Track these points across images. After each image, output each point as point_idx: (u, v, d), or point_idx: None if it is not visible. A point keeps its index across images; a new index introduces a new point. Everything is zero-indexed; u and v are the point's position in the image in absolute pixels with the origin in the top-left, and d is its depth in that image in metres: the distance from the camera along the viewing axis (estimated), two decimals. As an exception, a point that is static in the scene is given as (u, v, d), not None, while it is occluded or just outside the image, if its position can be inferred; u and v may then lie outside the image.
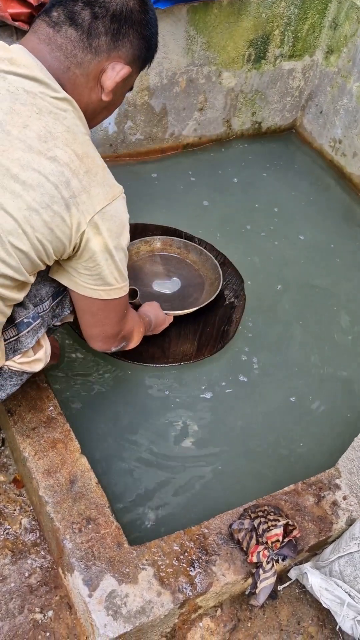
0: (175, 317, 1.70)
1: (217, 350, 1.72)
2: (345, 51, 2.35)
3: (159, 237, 1.95)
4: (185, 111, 2.35)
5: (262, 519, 1.20)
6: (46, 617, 1.28)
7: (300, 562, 1.33)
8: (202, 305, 1.73)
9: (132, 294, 1.63)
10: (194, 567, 1.17)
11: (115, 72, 1.03)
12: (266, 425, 1.63)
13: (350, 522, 1.30)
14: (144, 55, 1.09)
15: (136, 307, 1.63)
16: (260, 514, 1.22)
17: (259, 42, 2.30)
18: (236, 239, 2.14)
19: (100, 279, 1.08)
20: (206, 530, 1.23)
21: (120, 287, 1.12)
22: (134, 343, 1.42)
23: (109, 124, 2.20)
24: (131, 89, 1.16)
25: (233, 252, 2.03)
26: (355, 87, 2.33)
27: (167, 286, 1.87)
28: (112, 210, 1.02)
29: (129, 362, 1.64)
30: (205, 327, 1.78)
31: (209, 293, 1.81)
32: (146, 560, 1.16)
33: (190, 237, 2.04)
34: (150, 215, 2.13)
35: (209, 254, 1.91)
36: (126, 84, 1.10)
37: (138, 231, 1.99)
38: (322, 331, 1.90)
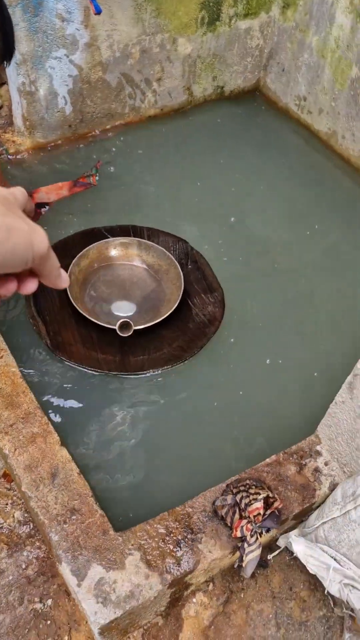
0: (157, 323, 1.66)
1: (222, 317, 1.72)
2: (302, 4, 2.27)
3: (101, 242, 1.81)
4: (142, 83, 2.29)
5: (244, 494, 1.21)
6: (46, 606, 1.30)
7: (288, 530, 1.35)
8: (169, 312, 1.69)
9: (126, 325, 1.60)
10: (180, 547, 1.19)
11: None
12: (245, 398, 1.63)
13: (333, 487, 1.31)
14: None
15: None
16: (242, 488, 1.23)
17: (211, 4, 2.22)
18: (198, 210, 2.12)
19: None
20: (190, 510, 1.25)
21: None
22: None
23: (65, 104, 2.14)
24: None
25: (194, 220, 2.02)
26: (315, 40, 2.26)
27: (125, 308, 1.77)
28: None
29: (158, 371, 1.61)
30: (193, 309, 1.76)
31: (176, 287, 1.76)
32: (132, 545, 1.18)
33: (125, 228, 1.92)
34: (110, 194, 2.10)
35: (158, 246, 1.82)
36: None
37: (87, 237, 1.84)
38: (297, 300, 1.89)
